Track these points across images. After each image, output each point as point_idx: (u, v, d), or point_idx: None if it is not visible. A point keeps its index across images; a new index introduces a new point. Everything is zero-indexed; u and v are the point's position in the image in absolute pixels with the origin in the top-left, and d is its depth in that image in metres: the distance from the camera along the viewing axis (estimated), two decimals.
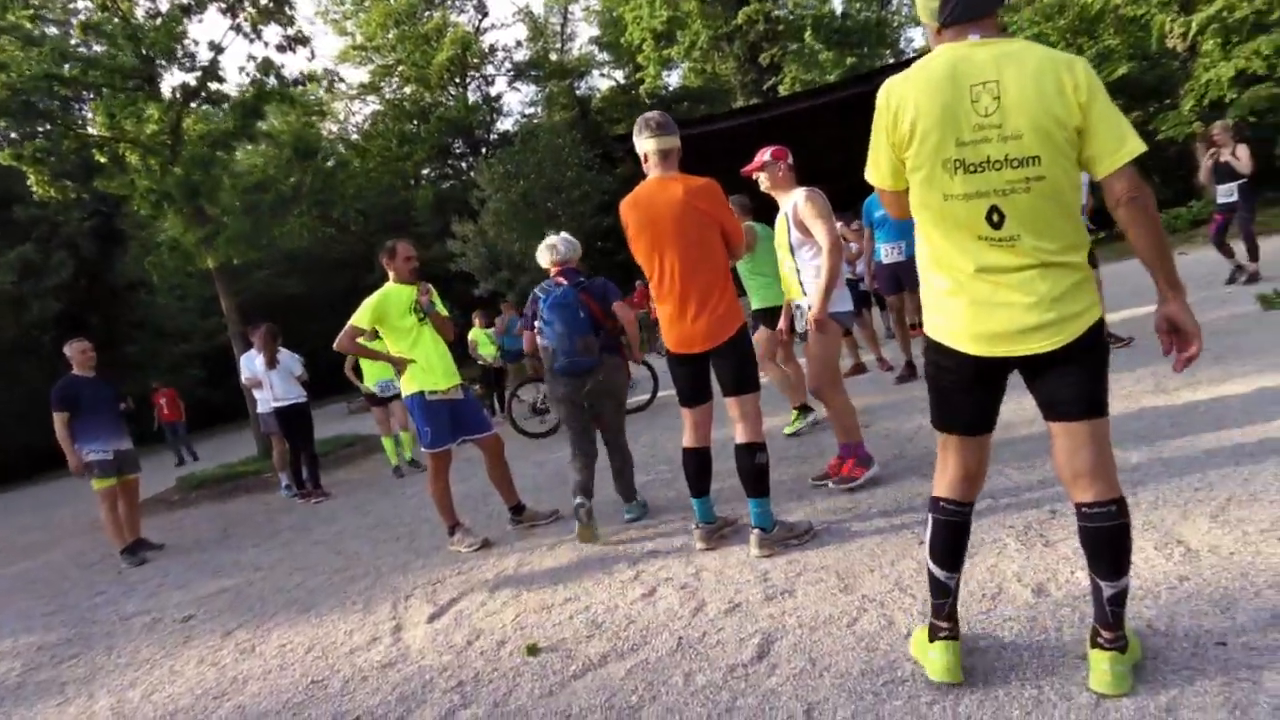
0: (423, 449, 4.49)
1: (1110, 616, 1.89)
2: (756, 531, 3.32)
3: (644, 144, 3.39)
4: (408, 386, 4.47)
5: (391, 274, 4.56)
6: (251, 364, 7.84)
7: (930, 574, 2.09)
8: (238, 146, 13.16)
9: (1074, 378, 1.88)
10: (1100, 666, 1.89)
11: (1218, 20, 17.79)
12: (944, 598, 2.07)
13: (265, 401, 7.83)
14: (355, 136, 38.30)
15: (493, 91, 38.80)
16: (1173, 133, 19.48)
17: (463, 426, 4.56)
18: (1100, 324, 1.89)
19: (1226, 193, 8.37)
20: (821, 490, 4.10)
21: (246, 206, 12.11)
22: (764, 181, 4.06)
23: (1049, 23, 21.93)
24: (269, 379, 7.53)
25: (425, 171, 38.71)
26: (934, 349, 2.03)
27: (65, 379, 6.12)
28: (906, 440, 4.78)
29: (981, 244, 1.86)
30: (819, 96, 18.26)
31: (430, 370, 4.45)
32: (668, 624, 2.81)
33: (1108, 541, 1.89)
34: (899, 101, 1.90)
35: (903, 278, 6.77)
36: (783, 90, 27.98)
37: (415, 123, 37.10)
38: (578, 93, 38.74)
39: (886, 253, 6.79)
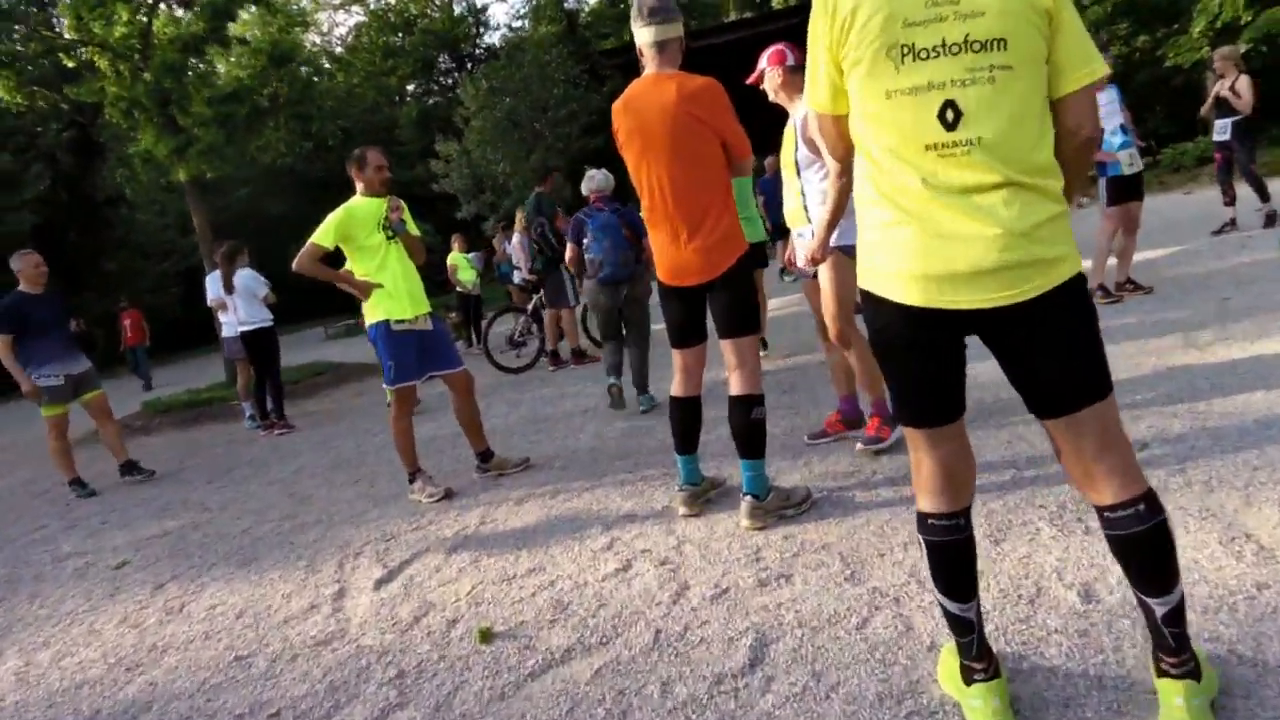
0: (384, 385, 4.04)
1: (1172, 640, 1.50)
2: (748, 499, 2.92)
3: (639, 34, 2.85)
4: (371, 314, 3.98)
5: (360, 185, 4.03)
6: (217, 285, 7.33)
7: (942, 608, 1.68)
8: (210, 53, 12.33)
9: (1058, 355, 1.47)
10: (1171, 701, 1.50)
11: None
12: (967, 634, 1.66)
13: (230, 325, 7.35)
14: (339, 49, 36.60)
15: (478, 2, 36.95)
16: (1181, 59, 18.20)
17: (431, 360, 4.11)
18: (1082, 279, 1.49)
19: (1221, 129, 7.80)
20: (817, 450, 3.70)
21: (220, 118, 11.39)
22: (769, 91, 3.50)
23: None
24: (233, 301, 7.02)
25: (410, 88, 37.16)
26: (871, 307, 1.60)
27: (12, 296, 5.55)
28: None
29: (930, 155, 1.46)
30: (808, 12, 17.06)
31: (397, 296, 3.97)
32: (644, 610, 2.43)
33: (1143, 550, 1.49)
34: None
35: None
36: (775, 4, 26.54)
37: (400, 35, 35.38)
38: (565, 5, 36.91)
39: None
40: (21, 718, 2.51)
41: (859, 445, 3.51)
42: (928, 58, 1.44)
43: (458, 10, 35.47)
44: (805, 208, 3.45)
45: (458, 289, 10.51)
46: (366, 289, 3.92)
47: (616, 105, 2.96)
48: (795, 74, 3.42)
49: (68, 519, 5.15)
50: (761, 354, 5.66)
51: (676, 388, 3.14)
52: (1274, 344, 3.91)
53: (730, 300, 2.91)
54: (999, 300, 1.44)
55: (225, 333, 7.58)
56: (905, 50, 1.45)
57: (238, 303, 6.99)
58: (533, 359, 7.97)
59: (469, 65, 33.43)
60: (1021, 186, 1.43)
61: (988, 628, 2.01)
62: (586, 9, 37.42)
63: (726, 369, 2.98)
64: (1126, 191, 5.67)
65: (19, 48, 11.29)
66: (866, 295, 1.61)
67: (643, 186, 2.95)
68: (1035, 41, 1.42)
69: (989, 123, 1.42)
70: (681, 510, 3.17)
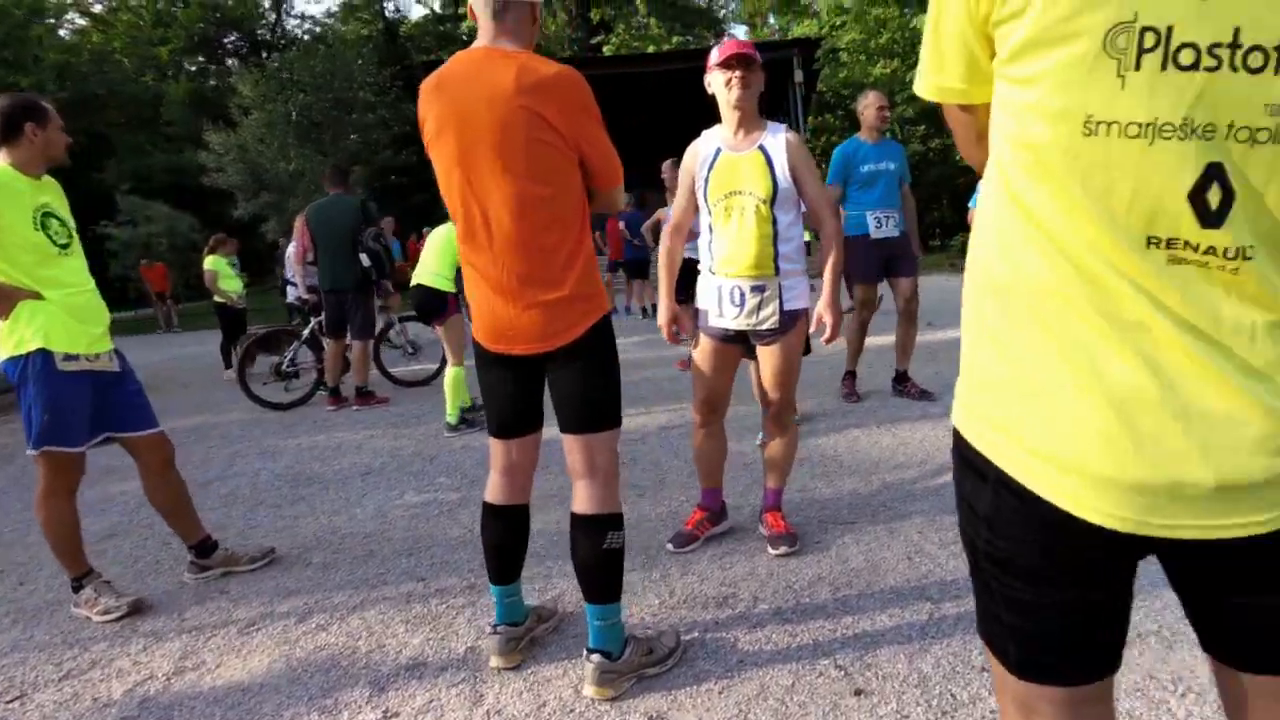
0: (29, 449, 2.64)
1: None
2: (596, 658, 2.00)
3: None
4: (15, 340, 2.57)
5: (20, 153, 2.58)
6: None
7: None
8: None
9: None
10: None
11: None
12: None
13: None
14: (98, 7, 31.57)
15: None
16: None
17: (110, 418, 2.76)
18: None
19: None
20: (675, 559, 2.86)
21: None
22: (735, 91, 2.59)
23: (868, 35, 22.42)
24: None
25: (190, 67, 32.79)
26: (987, 493, 0.87)
27: None
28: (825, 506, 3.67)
29: (1156, 258, 0.74)
30: (643, 64, 17.22)
31: (68, 318, 2.62)
32: None
33: None
34: None
35: (896, 262, 4.91)
36: (607, 52, 26.79)
37: (181, 2, 31.24)
38: (386, 13, 34.77)
39: (877, 224, 4.86)
40: None
41: (775, 551, 2.81)
42: (1194, 67, 0.68)
43: None
44: (776, 256, 2.64)
45: (217, 299, 8.64)
46: (10, 299, 2.53)
47: (426, 84, 1.96)
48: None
49: None
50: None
51: (494, 493, 2.16)
52: None
53: (579, 380, 1.99)
54: (1249, 529, 0.76)
55: None
56: (1153, 49, 0.69)
57: None
58: (307, 393, 6.51)
59: (264, 52, 30.23)
60: None
61: None
62: (409, 22, 35.55)
63: (570, 474, 2.05)
64: None
65: None
66: (974, 465, 0.86)
67: (456, 206, 1.95)
68: None
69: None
70: (494, 661, 2.17)
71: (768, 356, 2.75)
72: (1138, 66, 0.69)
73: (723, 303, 2.72)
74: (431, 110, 1.93)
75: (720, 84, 2.62)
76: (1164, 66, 0.68)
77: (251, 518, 3.71)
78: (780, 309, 2.68)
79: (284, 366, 6.63)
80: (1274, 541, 0.76)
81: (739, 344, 2.79)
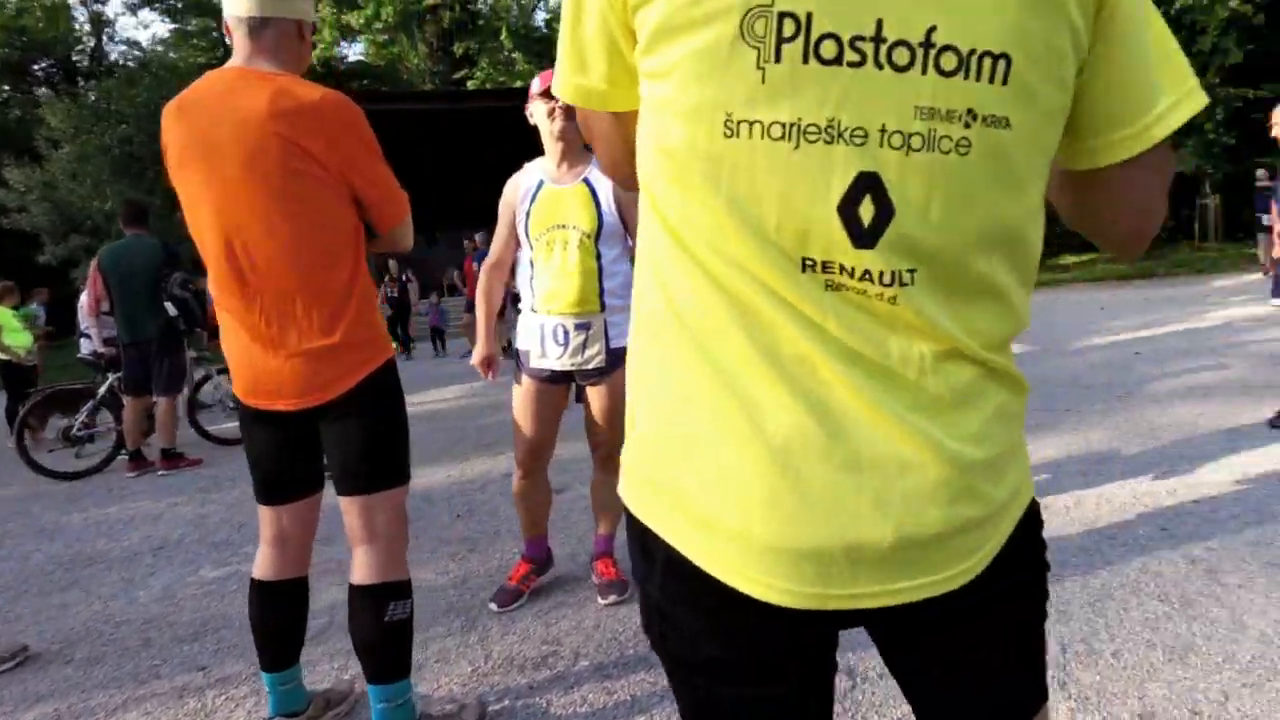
0: None
1: None
2: None
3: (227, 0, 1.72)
4: None
5: None
6: None
7: None
8: None
9: (1004, 647, 0.76)
10: None
11: None
12: None
13: None
14: None
15: (108, 12, 31.37)
16: None
17: None
18: (1035, 509, 0.77)
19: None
20: (496, 618, 2.67)
21: None
22: (559, 122, 2.48)
23: None
24: None
25: None
26: (660, 573, 0.73)
27: None
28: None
29: (811, 283, 0.63)
30: (508, 99, 17.17)
31: None
32: None
33: None
34: None
35: None
36: (472, 86, 26.50)
37: None
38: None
39: None
40: None
41: (604, 600, 2.67)
42: (837, 61, 0.59)
43: (80, 19, 29.27)
44: (601, 292, 2.52)
45: (0, 355, 7.62)
46: None
47: (168, 108, 1.72)
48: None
49: None
50: None
51: (262, 566, 1.91)
52: None
53: (356, 437, 1.78)
54: (937, 587, 0.67)
55: None
56: (789, 32, 0.59)
57: None
58: (103, 459, 5.78)
59: (80, 80, 27.77)
60: (985, 370, 0.67)
61: None
62: None
63: (349, 540, 1.85)
64: None
65: None
66: (641, 542, 0.74)
67: (205, 245, 1.72)
68: (1060, 68, 0.62)
69: (943, 234, 0.62)
70: None
71: (595, 397, 2.65)
72: (778, 58, 0.59)
73: (545, 342, 2.58)
74: (173, 137, 1.70)
75: (542, 114, 2.51)
76: (805, 59, 0.59)
77: (10, 611, 3.18)
78: (606, 347, 2.57)
79: (74, 430, 5.87)
80: (957, 601, 0.68)
81: (563, 385, 2.67)
